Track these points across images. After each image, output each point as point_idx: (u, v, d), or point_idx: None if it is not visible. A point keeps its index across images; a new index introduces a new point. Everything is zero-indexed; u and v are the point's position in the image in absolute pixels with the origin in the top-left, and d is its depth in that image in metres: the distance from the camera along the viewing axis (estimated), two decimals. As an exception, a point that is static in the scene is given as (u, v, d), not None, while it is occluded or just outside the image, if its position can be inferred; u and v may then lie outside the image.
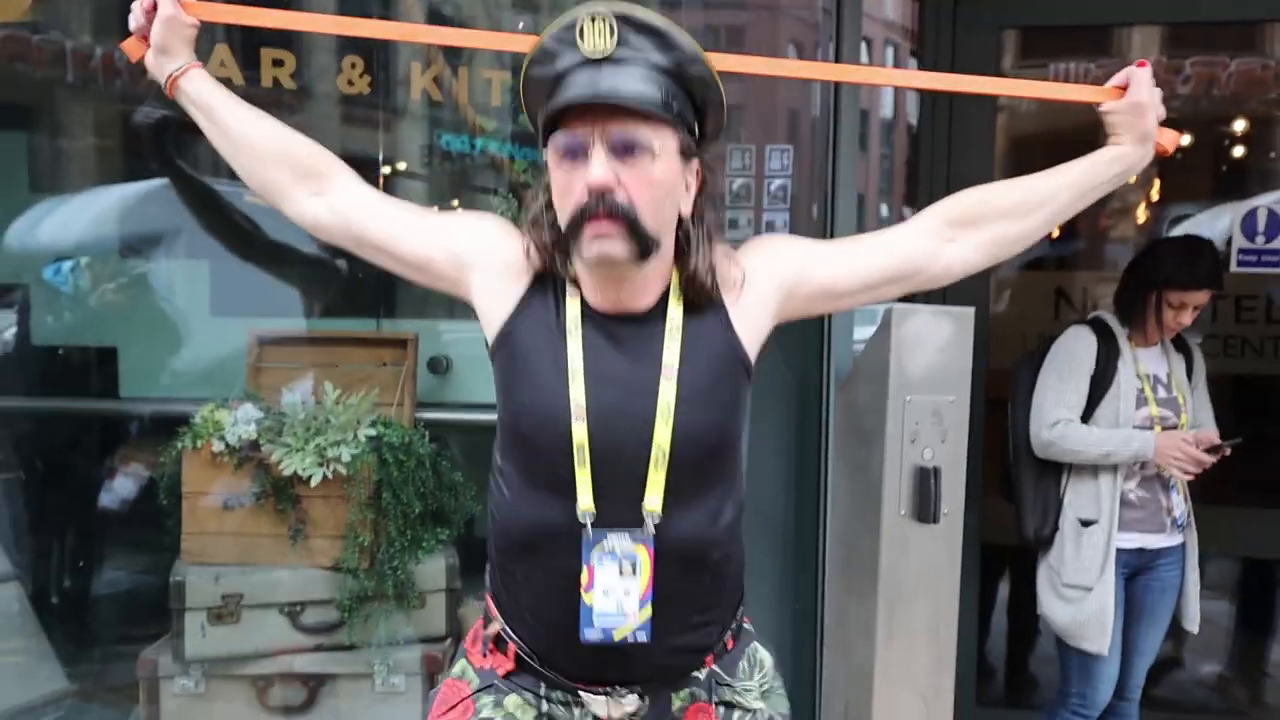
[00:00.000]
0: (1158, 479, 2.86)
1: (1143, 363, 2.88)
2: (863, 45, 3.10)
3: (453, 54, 2.97)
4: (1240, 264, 3.57)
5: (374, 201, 1.62)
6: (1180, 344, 2.96)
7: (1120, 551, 2.82)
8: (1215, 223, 3.73)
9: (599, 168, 1.35)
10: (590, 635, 1.45)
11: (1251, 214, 3.62)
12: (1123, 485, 2.84)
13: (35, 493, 3.23)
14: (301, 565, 2.66)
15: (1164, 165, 4.28)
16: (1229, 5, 3.63)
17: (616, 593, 1.45)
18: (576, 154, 1.38)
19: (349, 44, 2.95)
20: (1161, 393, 2.88)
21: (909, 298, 3.47)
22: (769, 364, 3.18)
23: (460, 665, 1.69)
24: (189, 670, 2.59)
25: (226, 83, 2.85)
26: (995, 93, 1.75)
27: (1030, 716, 3.28)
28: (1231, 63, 3.89)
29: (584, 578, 1.45)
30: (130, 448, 3.52)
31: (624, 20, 1.38)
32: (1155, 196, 4.24)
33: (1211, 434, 2.82)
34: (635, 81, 1.38)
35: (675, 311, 1.51)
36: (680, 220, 1.49)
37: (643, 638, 1.46)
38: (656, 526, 1.47)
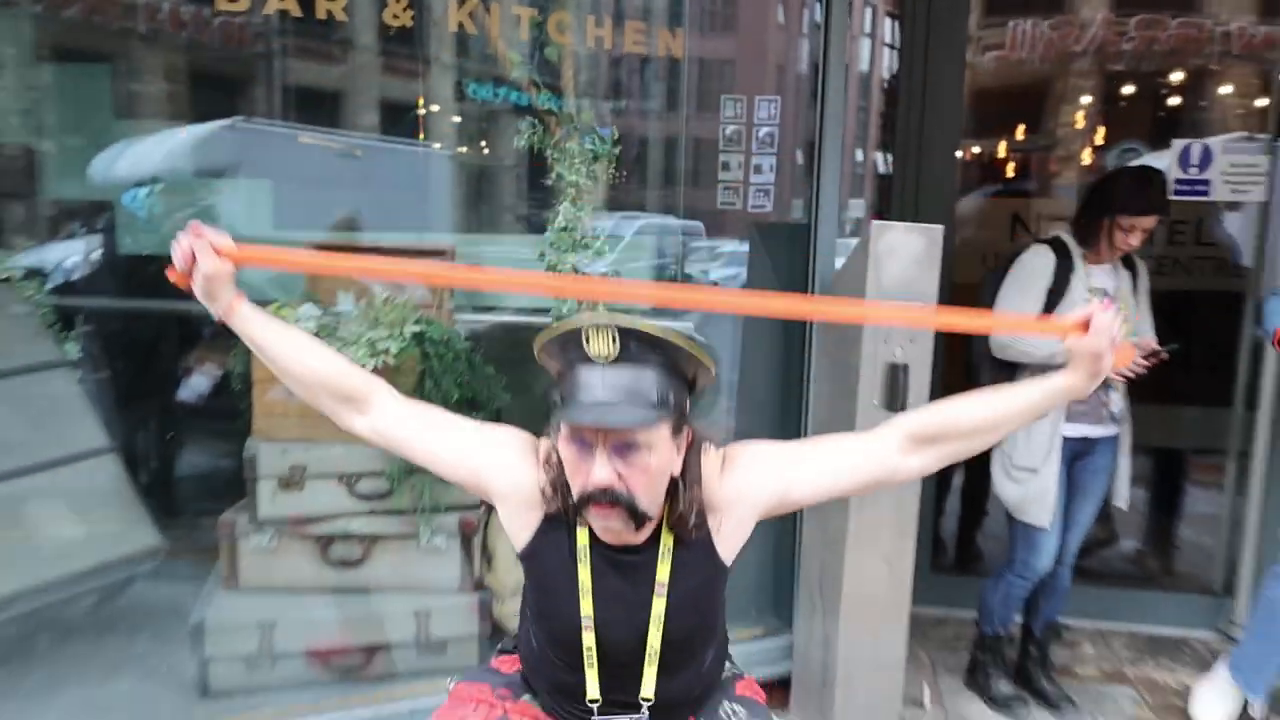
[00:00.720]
0: (1104, 381, 2.86)
1: (1094, 278, 2.87)
2: (847, 10, 3.04)
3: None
4: (1176, 193, 3.53)
5: (411, 426, 1.61)
6: (1129, 262, 2.93)
7: (1065, 439, 2.84)
8: (1158, 159, 3.66)
9: (601, 470, 1.37)
10: None
11: (1187, 148, 3.59)
12: None
13: (123, 382, 3.23)
14: (356, 441, 2.64)
15: (1110, 111, 4.37)
16: None
17: None
18: (583, 447, 1.39)
19: None
20: (1107, 303, 2.86)
21: (886, 216, 3.44)
22: (766, 278, 3.20)
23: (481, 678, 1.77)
24: (262, 530, 2.62)
25: (283, 16, 2.84)
26: (972, 330, 1.73)
27: (975, 582, 3.28)
28: (1172, 22, 3.85)
29: None
30: (204, 348, 3.52)
31: (625, 332, 1.38)
32: (1100, 140, 4.23)
33: (1150, 341, 2.82)
34: (633, 395, 1.38)
35: (667, 540, 1.54)
36: (672, 477, 1.50)
37: None
38: (651, 706, 1.56)
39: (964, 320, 1.87)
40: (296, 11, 2.56)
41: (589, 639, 1.53)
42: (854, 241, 2.81)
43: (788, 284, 3.13)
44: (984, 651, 3.15)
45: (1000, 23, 3.91)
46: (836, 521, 2.70)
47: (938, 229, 2.56)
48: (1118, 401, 2.92)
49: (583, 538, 1.54)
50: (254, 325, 1.53)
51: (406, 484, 2.68)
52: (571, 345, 1.41)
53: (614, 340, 1.37)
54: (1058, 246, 2.88)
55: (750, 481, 1.59)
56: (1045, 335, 1.62)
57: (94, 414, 2.81)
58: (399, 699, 2.55)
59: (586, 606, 1.53)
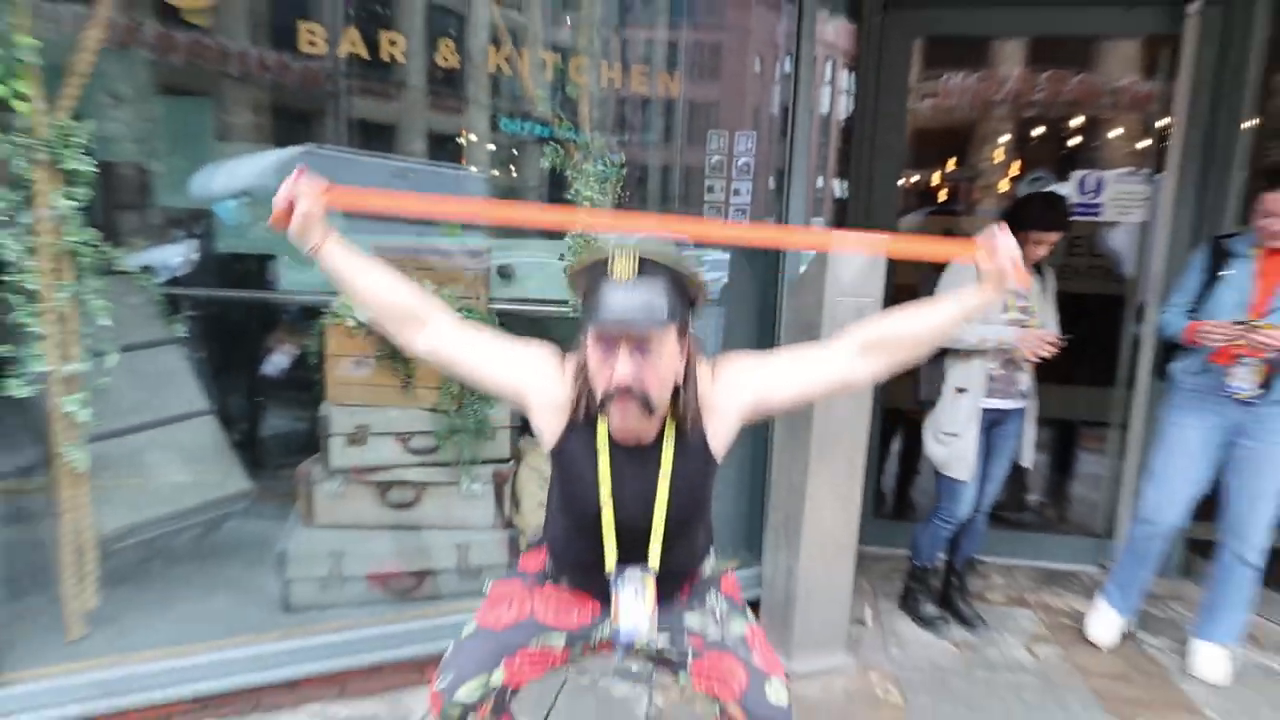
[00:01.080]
0: (1012, 361, 2.84)
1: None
2: (813, 61, 3.00)
3: (517, 38, 2.88)
4: (1074, 214, 3.54)
5: (460, 344, 1.60)
6: (1038, 268, 2.89)
7: (983, 411, 2.83)
8: (1061, 187, 3.69)
9: (624, 367, 1.39)
10: (621, 642, 1.57)
11: (1084, 178, 3.59)
12: (991, 365, 2.83)
13: (218, 357, 3.23)
14: (410, 406, 2.65)
15: (1023, 148, 4.28)
16: (1067, 21, 3.51)
17: (633, 611, 1.54)
18: (609, 347, 1.40)
19: (444, 31, 2.81)
20: (1021, 302, 2.84)
21: (842, 222, 3.39)
22: (750, 276, 3.15)
23: (515, 574, 1.79)
24: (332, 477, 2.62)
25: (353, 59, 2.80)
26: (910, 257, 1.70)
27: (909, 526, 3.31)
28: (1074, 78, 3.83)
29: (612, 602, 1.55)
30: (283, 331, 3.51)
31: (643, 257, 1.40)
32: (1015, 171, 4.23)
33: (1053, 333, 2.80)
34: (649, 306, 1.40)
35: (670, 435, 1.56)
36: (674, 383, 1.50)
37: (658, 639, 1.63)
38: (656, 568, 1.58)
39: (903, 247, 1.79)
40: (364, 54, 2.54)
41: (607, 515, 1.55)
42: (815, 251, 2.80)
43: (762, 285, 3.12)
44: (915, 581, 3.16)
45: (936, 75, 3.88)
46: (798, 476, 2.68)
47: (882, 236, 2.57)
48: (1025, 381, 2.90)
49: (602, 435, 1.55)
50: (339, 259, 1.52)
51: (450, 442, 2.66)
52: (599, 269, 1.43)
53: (634, 264, 1.39)
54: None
55: (736, 387, 1.60)
56: (964, 258, 1.60)
57: (196, 383, 2.79)
58: (443, 615, 2.55)
59: (605, 490, 1.54)
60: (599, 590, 1.63)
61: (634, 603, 1.53)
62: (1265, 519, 2.65)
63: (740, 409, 1.60)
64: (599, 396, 1.47)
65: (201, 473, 2.75)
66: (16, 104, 1.92)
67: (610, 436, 1.55)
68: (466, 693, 1.58)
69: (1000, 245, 1.51)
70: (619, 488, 1.55)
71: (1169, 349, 2.86)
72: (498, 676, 1.60)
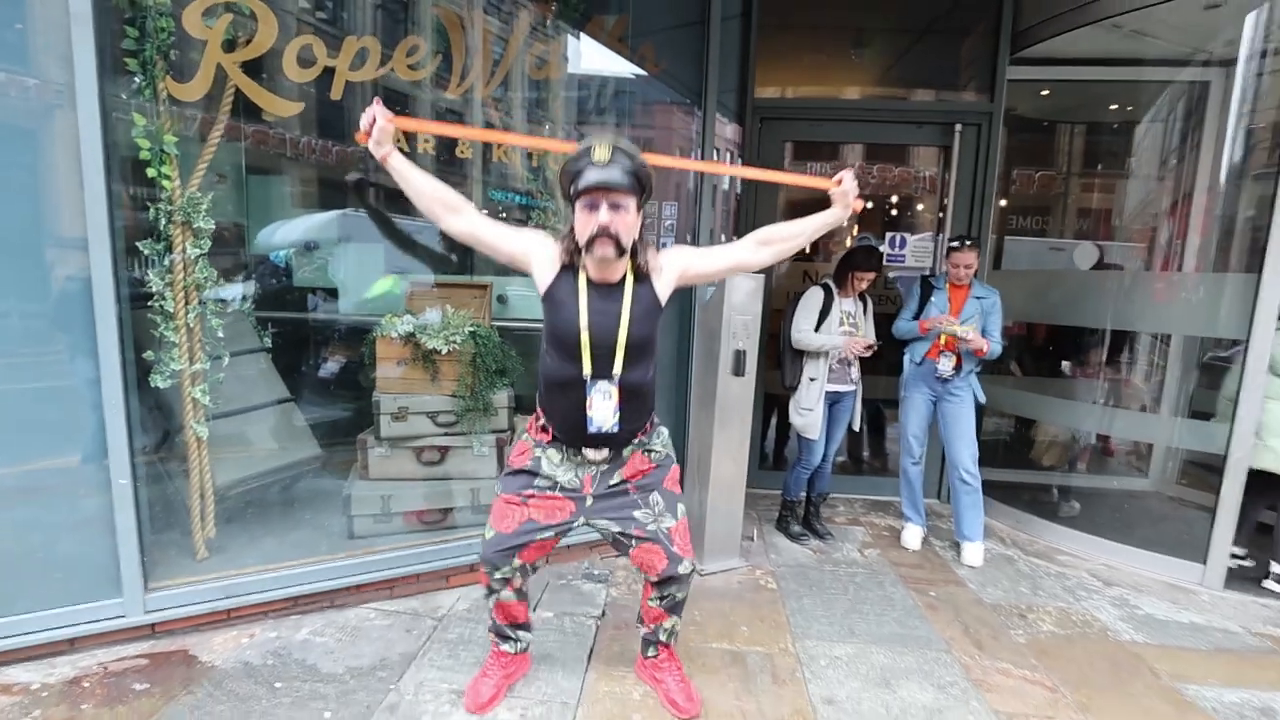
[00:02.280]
0: (846, 359, 3.03)
1: (843, 305, 3.03)
2: (714, 151, 3.24)
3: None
4: (886, 260, 3.81)
5: (485, 224, 1.71)
6: (862, 297, 3.11)
7: (826, 392, 3.00)
8: (881, 244, 3.93)
9: (604, 215, 1.55)
10: (591, 429, 1.67)
11: (894, 238, 3.88)
12: (831, 362, 3.00)
13: (293, 361, 3.19)
14: (436, 393, 2.65)
15: (861, 216, 4.33)
16: (881, 134, 3.79)
17: (602, 410, 1.66)
18: (592, 206, 1.56)
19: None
20: (851, 319, 3.03)
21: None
22: (672, 303, 3.28)
23: (524, 436, 1.85)
24: (382, 444, 2.62)
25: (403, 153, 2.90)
26: (776, 180, 1.93)
27: (781, 473, 3.42)
28: (895, 169, 4.08)
29: (587, 403, 1.66)
30: (335, 345, 3.45)
31: (615, 147, 1.56)
32: (855, 231, 4.45)
33: (870, 339, 3.02)
34: (620, 175, 1.54)
35: (629, 281, 1.69)
36: (634, 242, 1.66)
37: (616, 429, 1.69)
38: (619, 378, 1.67)
39: (786, 178, 2.20)
40: (405, 148, 2.62)
41: (584, 336, 1.64)
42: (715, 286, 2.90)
43: (682, 307, 3.21)
44: (786, 509, 3.30)
45: (801, 164, 4.03)
46: (706, 437, 2.81)
47: (761, 277, 2.74)
48: (855, 372, 3.09)
49: (582, 278, 1.66)
50: (402, 164, 1.63)
51: (466, 417, 2.66)
52: (584, 156, 1.56)
53: (609, 151, 1.55)
54: (825, 287, 3.04)
55: (670, 257, 1.76)
56: (819, 185, 1.86)
57: (279, 379, 2.80)
58: (461, 539, 2.61)
59: (584, 317, 1.64)
60: (579, 407, 1.67)
61: (603, 403, 1.66)
62: (967, 449, 3.02)
63: (675, 271, 1.75)
64: (583, 242, 1.59)
65: (284, 442, 2.76)
66: (164, 182, 2.04)
67: (589, 279, 1.67)
68: (502, 574, 1.79)
69: (847, 180, 1.75)
70: (593, 314, 1.65)
71: (901, 346, 3.20)
72: (517, 562, 1.79)
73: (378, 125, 1.58)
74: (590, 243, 1.58)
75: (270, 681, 1.99)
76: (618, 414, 1.67)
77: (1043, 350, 3.99)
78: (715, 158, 3.21)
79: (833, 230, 5.04)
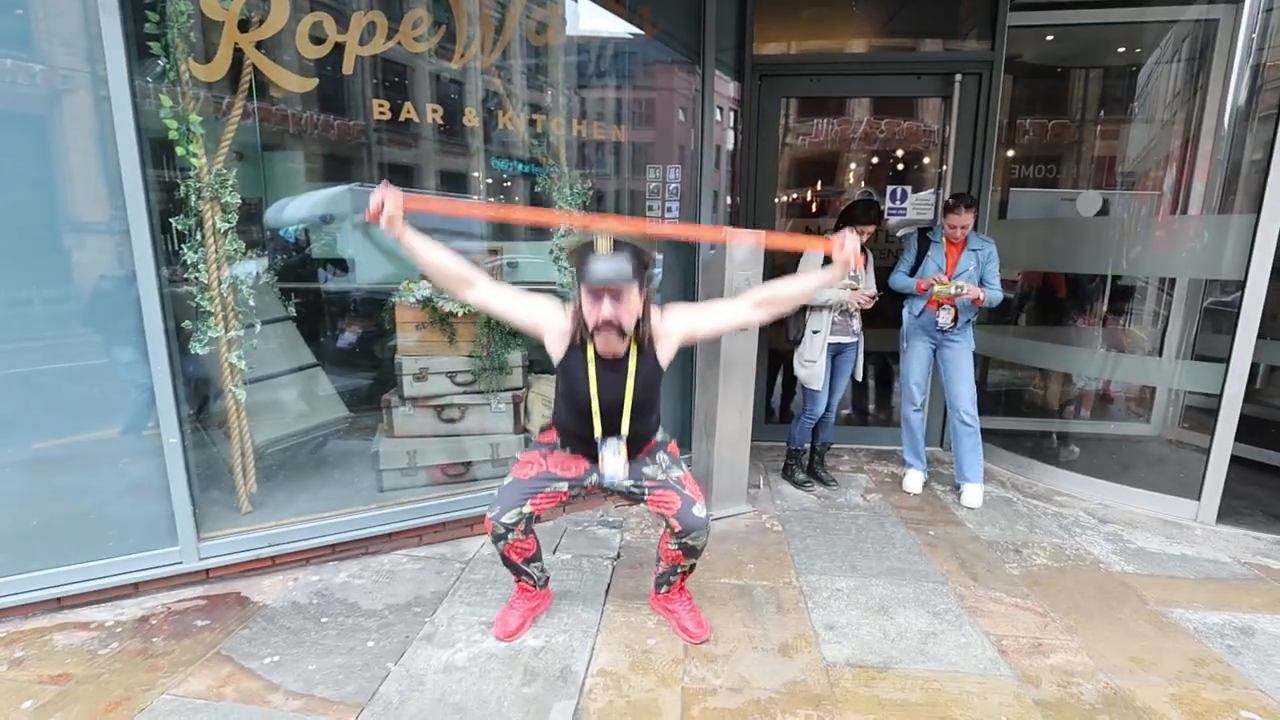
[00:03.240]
0: (848, 312, 3.11)
1: None
2: (715, 110, 3.24)
3: (512, 103, 2.96)
4: (888, 214, 3.84)
5: (499, 296, 1.82)
6: (863, 250, 3.10)
7: (829, 345, 3.09)
8: (883, 199, 3.94)
9: (607, 309, 1.68)
10: (605, 482, 1.85)
11: (894, 191, 3.89)
12: (833, 314, 3.07)
13: (317, 328, 3.32)
14: (455, 355, 2.76)
15: (868, 170, 4.27)
16: (879, 86, 3.77)
17: (613, 463, 1.83)
18: (596, 297, 1.68)
19: (447, 95, 2.88)
20: (854, 272, 3.06)
21: (734, 223, 3.61)
22: (678, 258, 3.27)
23: (534, 447, 2.02)
24: (405, 403, 2.74)
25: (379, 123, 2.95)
26: (783, 247, 2.01)
27: (786, 426, 3.48)
28: (904, 123, 4.05)
29: (600, 459, 1.85)
30: (351, 316, 3.58)
31: (615, 241, 1.67)
32: (860, 186, 4.30)
33: (872, 291, 3.10)
34: (621, 269, 1.65)
35: (633, 353, 1.82)
36: (636, 318, 1.77)
37: (627, 481, 1.88)
38: (627, 435, 1.85)
39: (779, 241, 2.17)
40: (406, 116, 2.68)
41: (595, 404, 1.81)
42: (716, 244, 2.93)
43: (684, 265, 3.29)
44: (791, 459, 3.40)
45: (808, 120, 4.03)
46: (712, 392, 2.89)
47: (763, 231, 2.78)
48: (857, 324, 3.16)
49: (590, 353, 1.82)
50: (415, 242, 1.72)
51: (483, 377, 2.79)
52: (587, 248, 1.70)
53: (610, 244, 1.68)
54: None
55: (674, 323, 1.88)
56: (818, 248, 1.97)
57: (305, 346, 2.91)
58: (482, 490, 2.75)
59: (594, 387, 1.81)
60: (589, 454, 1.91)
61: (613, 458, 1.84)
62: (967, 392, 3.12)
63: (678, 337, 1.88)
64: (590, 328, 1.75)
65: (314, 404, 2.90)
66: (192, 160, 2.16)
67: (596, 354, 1.82)
68: (508, 518, 1.91)
69: (845, 244, 1.83)
70: (602, 385, 1.82)
71: (901, 299, 3.27)
72: (526, 508, 1.92)
73: (387, 210, 1.62)
74: (595, 330, 1.73)
75: (317, 617, 2.20)
76: (627, 467, 1.87)
77: (1047, 299, 4.03)
78: (716, 116, 3.23)
79: (835, 188, 4.85)
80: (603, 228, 1.71)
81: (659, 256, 3.38)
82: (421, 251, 1.74)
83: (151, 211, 2.05)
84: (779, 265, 3.50)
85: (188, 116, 2.12)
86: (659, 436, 2.07)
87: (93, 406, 2.18)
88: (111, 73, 1.91)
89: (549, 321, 1.86)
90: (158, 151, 2.14)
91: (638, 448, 1.95)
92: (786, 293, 1.96)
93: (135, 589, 2.26)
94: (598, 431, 1.84)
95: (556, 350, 1.86)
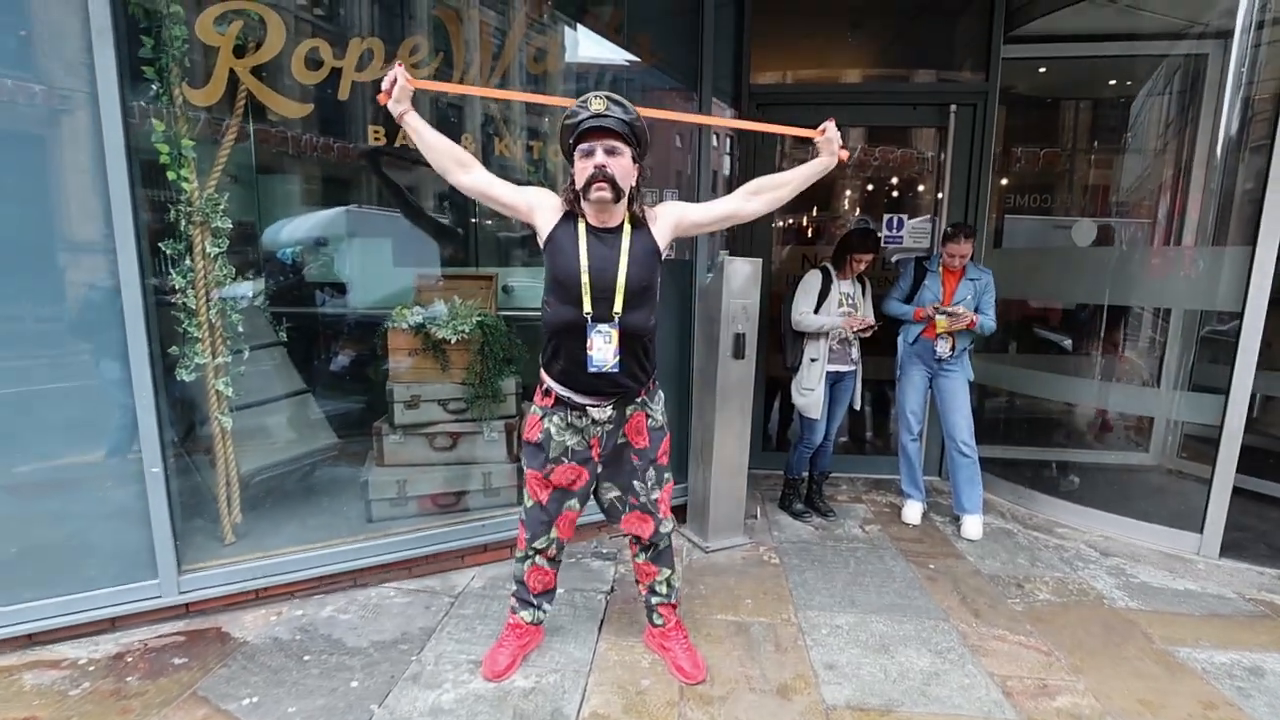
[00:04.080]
0: (846, 340, 3.09)
1: (842, 287, 3.08)
2: (713, 137, 3.22)
3: (509, 129, 2.99)
4: (885, 242, 3.84)
5: (493, 180, 1.77)
6: (860, 279, 3.15)
7: (827, 373, 3.07)
8: (879, 227, 3.95)
9: (600, 156, 1.63)
10: (591, 368, 1.73)
11: (891, 219, 3.91)
12: (831, 342, 3.06)
13: (307, 354, 3.22)
14: (447, 381, 2.71)
15: (862, 197, 4.35)
16: (879, 116, 3.78)
17: (603, 350, 1.72)
18: (589, 152, 1.63)
19: (447, 119, 2.90)
20: (850, 300, 3.09)
21: (733, 249, 3.61)
22: (675, 285, 3.18)
23: (533, 407, 1.91)
24: (396, 431, 2.69)
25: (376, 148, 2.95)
26: (764, 130, 1.97)
27: (784, 454, 3.47)
28: (897, 151, 4.08)
29: (588, 344, 1.71)
30: (345, 340, 3.46)
31: (609, 98, 1.64)
32: (856, 213, 4.37)
33: (869, 319, 3.06)
34: (614, 121, 1.63)
35: (627, 227, 1.75)
36: (631, 190, 1.72)
37: (615, 370, 1.74)
38: (619, 319, 1.72)
39: (775, 127, 2.02)
40: (401, 142, 2.63)
41: (585, 277, 1.69)
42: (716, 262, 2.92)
43: (681, 293, 3.21)
44: (788, 489, 3.37)
45: (802, 148, 3.96)
46: (709, 420, 2.85)
47: (759, 260, 2.80)
48: (855, 352, 3.14)
49: (581, 225, 1.74)
50: (417, 123, 1.71)
51: (476, 405, 2.73)
52: (581, 108, 1.65)
53: (604, 102, 1.64)
54: (824, 269, 3.09)
55: (667, 209, 1.83)
56: (805, 134, 1.94)
57: (295, 372, 2.84)
58: (475, 521, 2.69)
59: (583, 259, 1.70)
60: (580, 351, 1.72)
61: (603, 344, 1.72)
62: (964, 421, 3.09)
63: (671, 220, 1.82)
64: (581, 186, 1.66)
65: (303, 431, 2.84)
66: (183, 184, 2.14)
67: (587, 225, 1.73)
68: (539, 543, 1.92)
69: (830, 129, 1.83)
70: (592, 257, 1.71)
71: (895, 326, 3.24)
72: (554, 533, 1.92)
73: (398, 85, 1.68)
74: (587, 185, 1.65)
75: (299, 655, 2.12)
76: (618, 356, 1.71)
77: (1043, 327, 4.03)
78: (713, 144, 3.24)
79: (831, 214, 4.90)
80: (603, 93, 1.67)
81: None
82: (424, 131, 1.73)
83: (140, 235, 2.02)
84: (775, 294, 3.51)
85: (180, 141, 2.10)
86: (656, 408, 1.93)
87: (73, 431, 2.11)
88: (103, 95, 1.89)
89: (540, 200, 1.78)
90: (150, 174, 2.12)
91: (632, 355, 1.77)
92: (777, 179, 1.87)
93: (112, 624, 2.19)
94: (587, 308, 1.69)
95: (546, 223, 1.74)
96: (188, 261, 2.21)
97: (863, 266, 3.08)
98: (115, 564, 2.17)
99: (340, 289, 3.51)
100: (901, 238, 3.91)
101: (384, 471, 2.72)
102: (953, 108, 3.55)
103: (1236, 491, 2.95)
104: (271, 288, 3.07)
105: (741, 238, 3.73)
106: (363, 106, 2.93)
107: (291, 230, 3.48)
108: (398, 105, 1.70)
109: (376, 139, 2.64)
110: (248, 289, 2.67)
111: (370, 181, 3.75)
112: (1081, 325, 3.76)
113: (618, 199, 1.69)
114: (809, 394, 3.08)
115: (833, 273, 3.10)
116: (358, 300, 3.47)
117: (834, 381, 3.16)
